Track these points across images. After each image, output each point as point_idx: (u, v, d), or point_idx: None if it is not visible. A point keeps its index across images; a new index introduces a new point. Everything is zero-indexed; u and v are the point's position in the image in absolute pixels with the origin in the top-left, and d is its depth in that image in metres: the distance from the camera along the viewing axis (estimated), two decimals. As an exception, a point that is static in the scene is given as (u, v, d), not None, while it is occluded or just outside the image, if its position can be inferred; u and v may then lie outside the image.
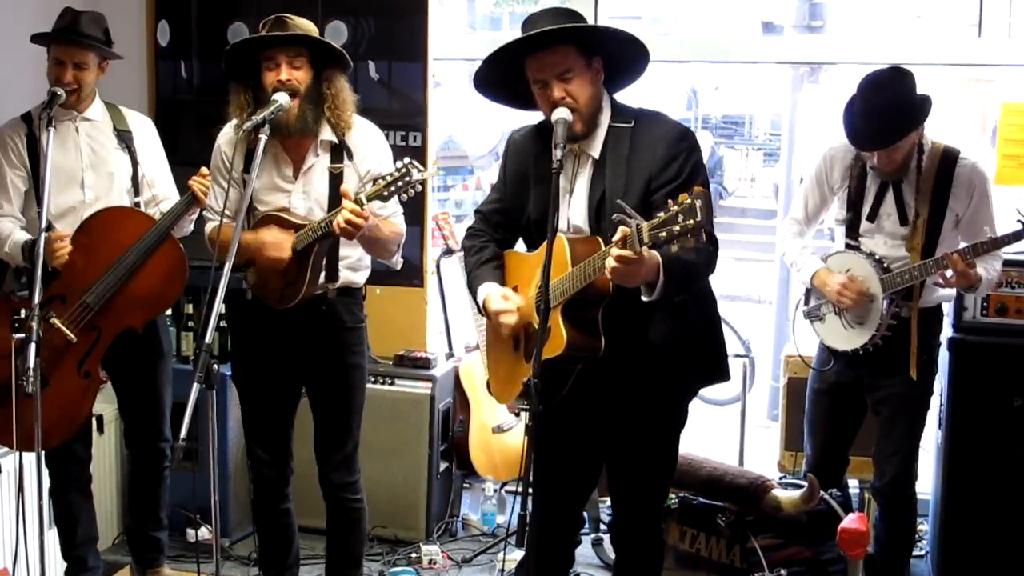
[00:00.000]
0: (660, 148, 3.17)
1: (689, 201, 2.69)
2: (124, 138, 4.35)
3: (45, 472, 4.10)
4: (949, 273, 4.04)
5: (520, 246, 3.60)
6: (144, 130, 4.45)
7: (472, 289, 3.53)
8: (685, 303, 3.26)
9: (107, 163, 4.31)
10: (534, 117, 3.48)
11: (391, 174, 3.56)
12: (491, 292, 3.40)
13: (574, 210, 3.31)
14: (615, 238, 2.87)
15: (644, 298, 3.06)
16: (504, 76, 3.34)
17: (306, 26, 3.88)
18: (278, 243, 3.81)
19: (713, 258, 3.18)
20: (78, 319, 4.08)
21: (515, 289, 3.42)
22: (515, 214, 3.49)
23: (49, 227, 3.94)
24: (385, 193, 3.57)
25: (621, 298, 3.13)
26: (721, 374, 3.48)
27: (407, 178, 3.52)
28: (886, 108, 4.04)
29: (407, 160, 3.57)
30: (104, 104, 4.38)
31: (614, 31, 3.27)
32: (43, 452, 4.23)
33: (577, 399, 3.32)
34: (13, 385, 3.66)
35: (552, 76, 3.18)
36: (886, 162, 4.14)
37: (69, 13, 4.20)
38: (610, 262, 2.87)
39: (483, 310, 3.45)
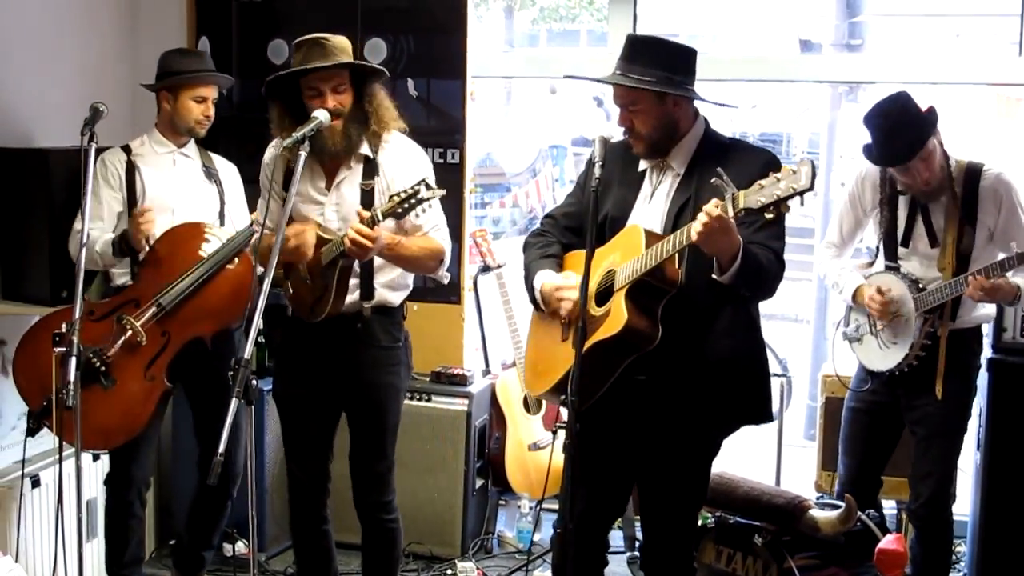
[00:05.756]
0: (753, 169, 3.18)
1: (795, 168, 2.80)
2: (212, 175, 4.54)
3: (84, 484, 4.03)
4: (970, 290, 4.03)
5: None
6: (229, 174, 4.64)
7: (529, 278, 3.55)
8: (738, 324, 3.32)
9: (197, 196, 4.47)
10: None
11: (404, 191, 3.57)
12: (549, 275, 3.46)
13: (650, 215, 3.37)
14: (707, 207, 2.96)
15: (714, 275, 3.10)
16: None
17: (343, 44, 3.86)
18: (298, 232, 3.82)
19: (780, 276, 3.26)
20: (150, 321, 4.16)
21: None
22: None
23: (88, 243, 3.93)
24: (399, 210, 3.58)
25: (681, 307, 3.18)
26: (764, 415, 3.47)
27: (418, 196, 3.55)
28: (898, 125, 4.07)
29: (422, 178, 3.59)
30: (195, 143, 4.55)
31: (686, 92, 3.33)
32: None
33: (617, 415, 3.34)
34: (77, 387, 3.59)
35: (620, 104, 3.34)
36: (927, 175, 4.11)
37: (194, 53, 4.54)
38: (704, 214, 2.94)
39: (538, 298, 3.49)
